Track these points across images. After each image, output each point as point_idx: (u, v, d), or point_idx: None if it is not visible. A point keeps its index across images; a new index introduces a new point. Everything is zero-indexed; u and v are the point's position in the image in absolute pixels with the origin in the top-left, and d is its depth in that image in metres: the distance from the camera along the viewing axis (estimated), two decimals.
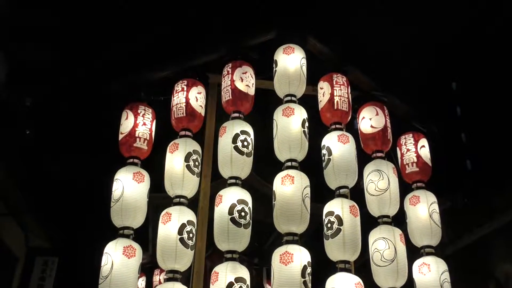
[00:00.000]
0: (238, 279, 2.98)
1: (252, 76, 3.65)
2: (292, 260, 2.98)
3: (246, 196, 3.22)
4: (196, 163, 3.37)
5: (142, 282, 8.26)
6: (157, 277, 7.93)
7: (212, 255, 5.41)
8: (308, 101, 3.80)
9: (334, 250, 3.21)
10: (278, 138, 3.39)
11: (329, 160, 3.46)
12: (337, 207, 3.30)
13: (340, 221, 3.23)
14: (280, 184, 3.22)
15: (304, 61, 3.69)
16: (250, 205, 3.21)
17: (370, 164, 3.62)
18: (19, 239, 8.10)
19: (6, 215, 7.22)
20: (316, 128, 3.74)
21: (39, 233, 8.21)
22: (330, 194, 3.46)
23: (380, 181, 3.49)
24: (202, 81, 3.69)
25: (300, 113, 3.44)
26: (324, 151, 3.52)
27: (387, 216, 3.48)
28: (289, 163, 3.33)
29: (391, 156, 3.91)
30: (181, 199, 3.30)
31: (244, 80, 3.57)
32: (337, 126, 3.62)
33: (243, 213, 3.12)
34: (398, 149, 3.95)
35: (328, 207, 3.35)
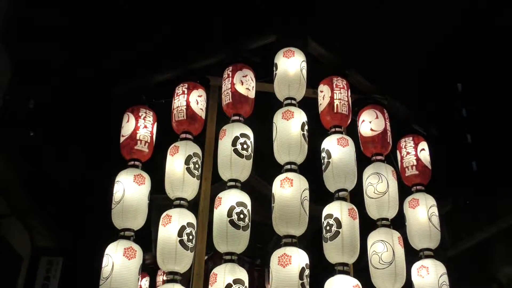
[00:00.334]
0: (237, 281, 3.02)
1: (252, 79, 3.68)
2: (290, 262, 3.01)
3: (245, 198, 3.25)
4: (196, 166, 3.41)
5: (146, 282, 8.29)
6: (161, 277, 7.95)
7: (213, 256, 5.45)
8: (309, 103, 3.84)
9: (332, 252, 3.23)
10: (277, 141, 3.42)
11: (328, 163, 3.48)
12: (336, 209, 3.32)
13: (338, 223, 3.25)
14: (279, 187, 3.25)
15: (304, 64, 3.72)
16: (249, 207, 3.24)
17: (369, 167, 3.64)
18: (24, 239, 8.17)
19: (11, 215, 7.29)
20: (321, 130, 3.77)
21: (43, 233, 8.28)
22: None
23: (379, 184, 3.51)
24: (203, 84, 3.73)
25: (300, 116, 3.47)
26: (323, 154, 3.55)
27: (386, 219, 3.49)
28: (288, 166, 3.36)
29: (391, 159, 3.93)
30: (181, 201, 3.34)
31: (244, 83, 3.60)
32: (337, 129, 3.64)
33: (242, 216, 3.15)
34: (398, 152, 3.97)
35: (327, 209, 3.37)
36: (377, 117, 3.78)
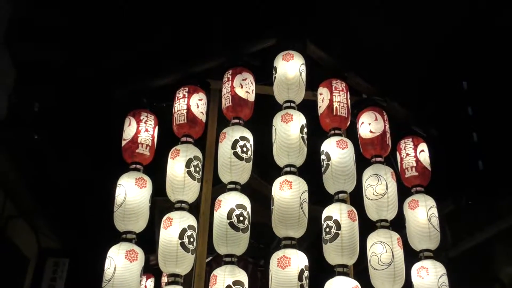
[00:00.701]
0: (236, 282, 3.05)
1: (252, 82, 3.71)
2: (289, 264, 3.04)
3: (245, 201, 3.28)
4: (197, 169, 3.45)
5: (151, 283, 8.35)
6: (165, 278, 8.01)
7: (217, 258, 5.49)
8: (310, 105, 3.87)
9: (332, 254, 3.26)
10: (277, 143, 3.45)
11: (328, 165, 3.51)
12: (336, 211, 3.35)
13: (338, 225, 3.28)
14: (278, 190, 3.28)
15: (303, 67, 3.75)
16: (249, 209, 3.28)
17: (368, 168, 3.67)
18: (30, 240, 8.26)
19: (17, 217, 7.37)
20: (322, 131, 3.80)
21: (49, 234, 8.37)
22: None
23: (378, 186, 3.53)
24: (203, 88, 3.77)
25: (299, 119, 3.50)
26: (323, 156, 3.57)
27: (385, 220, 3.52)
28: (287, 169, 3.39)
29: (391, 161, 3.96)
30: (182, 204, 3.38)
31: (244, 86, 3.63)
32: (336, 131, 3.66)
33: (241, 218, 3.19)
34: (398, 153, 3.99)
35: (327, 211, 3.40)
36: (376, 119, 3.80)
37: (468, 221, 6.64)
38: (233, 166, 3.35)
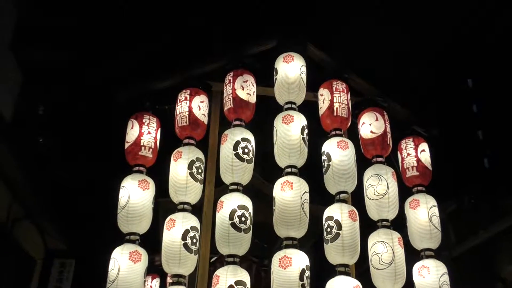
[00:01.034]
0: (238, 282, 3.09)
1: (253, 84, 3.74)
2: (290, 264, 3.07)
3: (247, 201, 3.32)
4: (199, 171, 3.48)
5: (156, 283, 8.40)
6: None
7: (221, 258, 5.53)
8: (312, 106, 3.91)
9: (333, 254, 3.30)
10: (278, 145, 3.49)
11: (328, 166, 3.54)
12: (336, 212, 3.38)
13: (339, 225, 3.31)
14: (279, 190, 3.32)
15: (304, 69, 3.78)
16: (251, 210, 3.31)
17: (369, 169, 3.69)
18: (37, 242, 8.32)
19: (24, 218, 7.44)
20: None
21: (55, 235, 8.43)
22: None
23: (379, 186, 3.56)
24: (205, 90, 3.80)
25: (300, 120, 3.53)
26: (324, 157, 3.61)
27: (386, 220, 3.54)
28: (288, 169, 3.42)
29: (392, 161, 3.98)
30: (185, 206, 3.42)
31: (245, 88, 3.67)
32: (337, 132, 3.69)
33: (243, 218, 3.22)
34: (398, 153, 4.01)
35: (328, 212, 3.43)
36: (377, 119, 3.82)
37: (472, 220, 6.64)
38: (235, 167, 3.39)
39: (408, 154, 3.92)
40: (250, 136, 3.53)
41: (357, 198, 3.75)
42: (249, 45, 3.93)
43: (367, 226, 3.61)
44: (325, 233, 3.38)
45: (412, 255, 3.66)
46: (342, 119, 3.72)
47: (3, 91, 6.20)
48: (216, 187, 3.76)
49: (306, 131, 3.54)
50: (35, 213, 7.60)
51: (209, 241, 3.55)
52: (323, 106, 3.80)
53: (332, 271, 3.38)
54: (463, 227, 6.62)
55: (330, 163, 3.53)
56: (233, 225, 3.19)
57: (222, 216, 3.25)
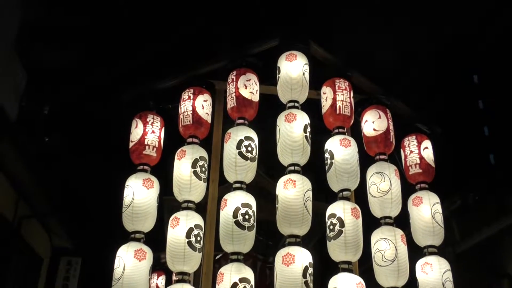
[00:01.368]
0: (242, 279, 3.12)
1: (256, 83, 3.77)
2: (293, 261, 3.10)
3: (250, 199, 3.35)
4: (203, 169, 3.51)
5: (162, 280, 8.46)
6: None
7: (226, 255, 5.56)
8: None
9: (336, 251, 3.32)
10: (280, 143, 3.51)
11: (331, 163, 3.56)
12: (339, 209, 3.40)
13: (341, 223, 3.33)
14: (282, 188, 3.34)
15: (306, 67, 3.79)
16: (254, 208, 3.34)
17: (372, 166, 3.71)
18: (44, 240, 8.39)
19: (30, 217, 7.50)
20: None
21: (62, 234, 8.50)
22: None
23: (382, 183, 3.58)
24: (208, 89, 3.83)
25: (302, 119, 3.55)
26: (326, 155, 3.62)
27: (389, 217, 3.56)
28: (291, 168, 3.45)
29: (395, 158, 3.99)
30: (189, 204, 3.45)
31: (248, 87, 3.69)
32: (340, 130, 3.71)
33: (247, 216, 3.25)
34: (402, 150, 4.02)
35: (331, 209, 3.45)
36: (379, 117, 3.84)
37: (476, 217, 6.63)
38: (238, 166, 3.41)
39: (411, 152, 3.93)
40: (253, 134, 3.55)
41: (360, 196, 3.78)
42: (251, 44, 3.94)
43: (371, 223, 3.64)
44: (328, 230, 3.40)
45: (415, 252, 3.68)
46: (345, 117, 3.73)
47: (8, 91, 6.26)
48: (220, 185, 3.80)
49: (308, 129, 3.55)
50: (41, 212, 7.66)
51: (213, 239, 3.57)
52: (325, 104, 3.81)
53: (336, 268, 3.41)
54: (467, 223, 6.60)
55: (332, 161, 3.55)
56: (237, 223, 3.22)
57: (226, 214, 3.27)
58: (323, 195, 4.54)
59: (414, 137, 3.98)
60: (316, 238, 6.21)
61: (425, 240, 3.65)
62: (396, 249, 3.38)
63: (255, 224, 3.30)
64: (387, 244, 3.41)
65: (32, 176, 6.78)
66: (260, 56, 3.92)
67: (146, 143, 3.62)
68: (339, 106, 3.73)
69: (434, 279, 3.49)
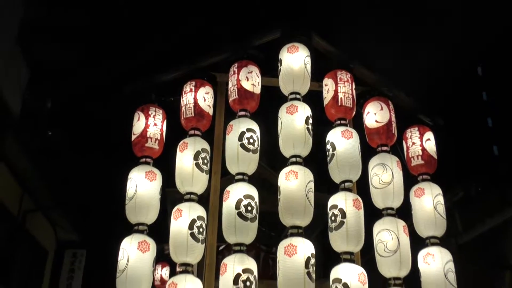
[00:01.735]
0: (246, 270, 3.14)
1: (257, 75, 3.77)
2: (296, 252, 3.12)
3: (253, 191, 3.36)
4: (205, 161, 3.53)
5: (166, 271, 8.54)
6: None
7: (229, 246, 5.60)
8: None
9: (338, 241, 3.33)
10: (282, 135, 3.52)
11: (333, 155, 3.56)
12: (341, 200, 3.41)
13: (343, 214, 3.34)
14: (284, 180, 3.35)
15: (308, 59, 3.79)
16: (257, 199, 3.36)
17: (374, 157, 3.72)
18: (49, 233, 8.47)
19: (35, 211, 7.57)
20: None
21: (67, 227, 8.57)
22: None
23: (384, 174, 3.59)
24: (210, 82, 3.84)
25: (304, 110, 3.55)
26: (328, 146, 3.63)
27: (391, 208, 3.57)
28: (293, 159, 3.46)
29: (397, 149, 4.00)
30: (191, 196, 3.47)
31: (249, 79, 3.69)
32: (342, 121, 3.71)
33: (249, 208, 3.27)
34: (404, 142, 4.03)
35: (332, 200, 3.46)
36: (381, 109, 3.84)
37: (479, 208, 6.63)
38: (240, 158, 3.43)
39: (413, 143, 3.93)
40: (255, 126, 3.56)
41: (362, 187, 3.79)
42: (253, 36, 3.94)
43: (373, 214, 3.65)
44: (329, 221, 3.41)
45: (417, 243, 3.69)
46: (347, 109, 3.73)
47: (11, 86, 6.28)
48: (222, 177, 3.81)
49: (310, 121, 3.56)
50: (46, 206, 7.72)
51: (216, 230, 3.60)
52: (327, 96, 3.81)
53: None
54: (470, 214, 6.61)
55: (334, 152, 3.56)
56: (240, 214, 3.24)
57: (228, 205, 3.29)
58: (325, 186, 4.56)
59: (416, 128, 3.98)
60: (318, 229, 6.22)
61: (427, 231, 3.66)
62: (398, 240, 3.39)
63: (257, 215, 3.32)
64: (389, 235, 3.42)
65: (36, 170, 6.82)
66: (261, 48, 3.92)
67: (148, 135, 3.64)
68: (341, 98, 3.73)
69: (436, 269, 3.50)
